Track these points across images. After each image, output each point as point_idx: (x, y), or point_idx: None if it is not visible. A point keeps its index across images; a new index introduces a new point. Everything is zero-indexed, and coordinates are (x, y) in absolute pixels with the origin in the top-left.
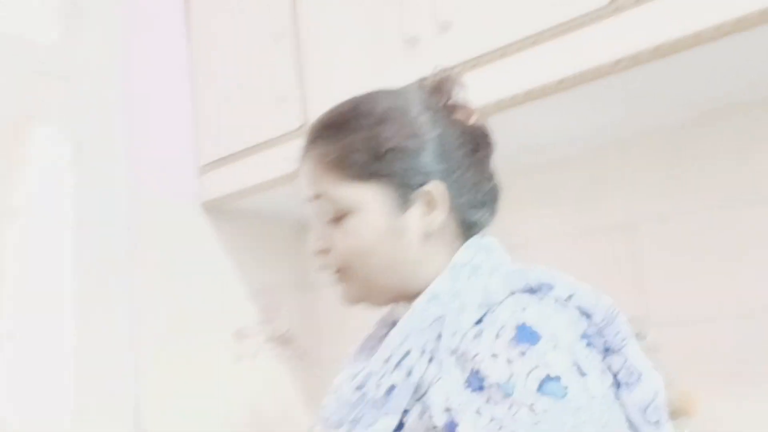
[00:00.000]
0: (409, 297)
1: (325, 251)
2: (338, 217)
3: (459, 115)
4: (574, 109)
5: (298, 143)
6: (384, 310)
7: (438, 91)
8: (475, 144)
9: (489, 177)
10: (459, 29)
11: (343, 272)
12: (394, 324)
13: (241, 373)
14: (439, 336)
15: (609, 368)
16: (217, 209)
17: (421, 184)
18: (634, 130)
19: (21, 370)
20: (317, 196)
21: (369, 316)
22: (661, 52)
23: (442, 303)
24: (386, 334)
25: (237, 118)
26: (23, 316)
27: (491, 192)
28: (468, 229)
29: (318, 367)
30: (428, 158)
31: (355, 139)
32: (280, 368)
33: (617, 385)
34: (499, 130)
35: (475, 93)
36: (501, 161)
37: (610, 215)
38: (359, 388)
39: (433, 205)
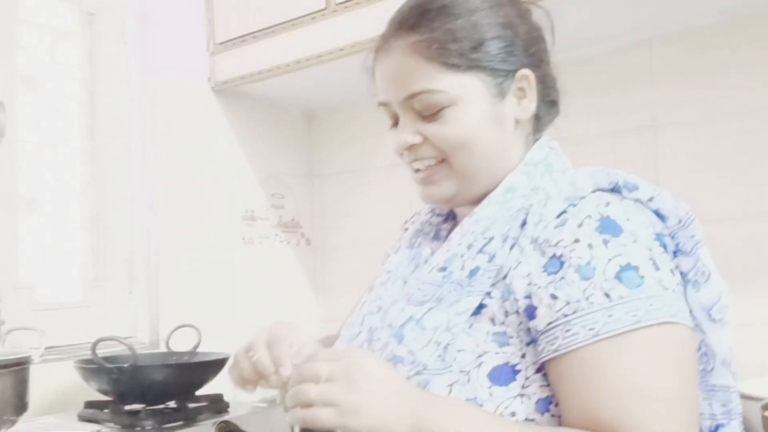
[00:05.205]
0: (488, 191)
1: (417, 146)
2: (435, 112)
3: (534, 17)
4: (604, 5)
5: (322, 25)
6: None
7: None
8: (547, 45)
9: (556, 78)
10: None
11: (439, 166)
12: (450, 215)
13: (250, 255)
14: (523, 225)
15: (678, 268)
16: (228, 92)
17: (515, 72)
18: (661, 31)
19: (44, 240)
20: (411, 95)
21: (373, 207)
22: None
23: (522, 195)
24: (441, 223)
25: None
26: (44, 187)
27: (558, 92)
28: (539, 125)
29: (322, 253)
30: (520, 48)
31: (454, 27)
32: (287, 252)
33: (684, 285)
34: None
35: None
36: None
37: (632, 116)
38: (443, 269)
39: (526, 92)
